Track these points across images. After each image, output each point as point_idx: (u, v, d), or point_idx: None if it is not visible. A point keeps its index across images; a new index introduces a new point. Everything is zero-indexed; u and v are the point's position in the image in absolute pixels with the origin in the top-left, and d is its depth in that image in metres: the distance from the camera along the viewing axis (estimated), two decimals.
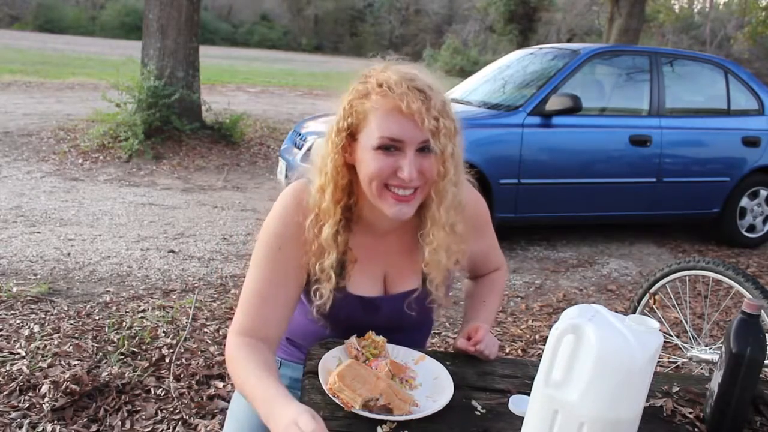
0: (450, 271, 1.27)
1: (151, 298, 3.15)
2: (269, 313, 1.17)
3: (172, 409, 2.19)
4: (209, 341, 2.71)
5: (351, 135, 1.14)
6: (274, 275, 1.18)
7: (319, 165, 1.17)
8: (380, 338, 1.23)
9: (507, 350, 2.93)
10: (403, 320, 1.27)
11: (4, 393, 2.15)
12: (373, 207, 1.17)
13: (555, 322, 0.96)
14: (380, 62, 1.17)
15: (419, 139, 1.10)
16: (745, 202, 5.01)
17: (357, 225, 1.23)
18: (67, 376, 2.21)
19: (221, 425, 2.09)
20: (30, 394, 2.16)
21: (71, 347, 2.51)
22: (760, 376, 1.11)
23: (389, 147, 1.10)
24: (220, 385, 2.36)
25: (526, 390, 1.10)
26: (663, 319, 2.68)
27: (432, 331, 3.05)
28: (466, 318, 1.43)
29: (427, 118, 1.08)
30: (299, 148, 4.46)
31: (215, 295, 3.25)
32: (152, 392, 2.28)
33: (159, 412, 2.17)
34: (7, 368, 2.30)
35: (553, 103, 4.31)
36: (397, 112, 1.09)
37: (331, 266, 1.18)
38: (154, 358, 2.49)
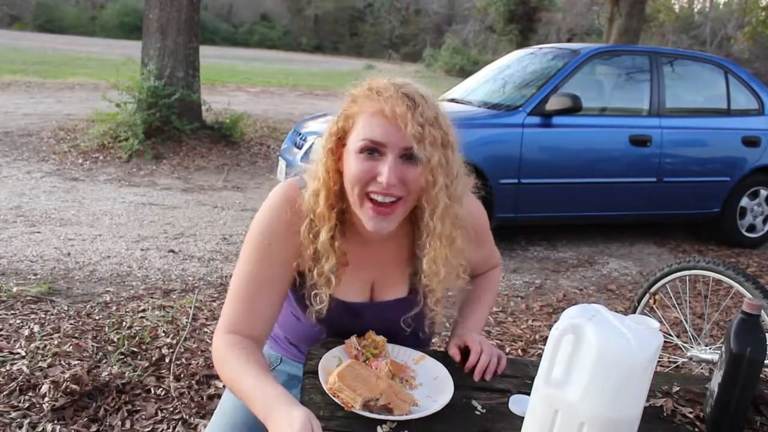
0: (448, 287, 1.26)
1: (151, 298, 3.15)
2: (257, 310, 1.17)
3: (172, 409, 2.19)
4: (209, 341, 2.71)
5: (341, 140, 1.14)
6: (262, 272, 1.17)
7: (314, 170, 1.17)
8: (380, 338, 1.23)
9: (507, 350, 2.93)
10: (390, 329, 1.25)
11: (4, 393, 2.15)
12: None
13: (555, 322, 0.96)
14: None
15: (401, 144, 1.08)
16: (745, 201, 5.01)
17: (347, 230, 1.21)
18: (67, 375, 2.21)
19: None
20: (30, 393, 2.16)
21: (71, 347, 2.51)
22: (760, 376, 1.11)
23: (372, 151, 1.09)
24: (220, 384, 2.36)
25: (526, 390, 1.10)
26: (663, 319, 2.68)
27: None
28: (460, 315, 1.42)
29: (411, 123, 1.06)
30: (299, 148, 4.47)
31: (215, 295, 3.25)
32: (152, 392, 2.28)
33: (159, 412, 2.17)
34: (7, 368, 2.30)
35: (553, 103, 4.31)
36: (381, 116, 1.08)
37: (331, 271, 1.16)
38: (154, 358, 2.49)
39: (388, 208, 1.10)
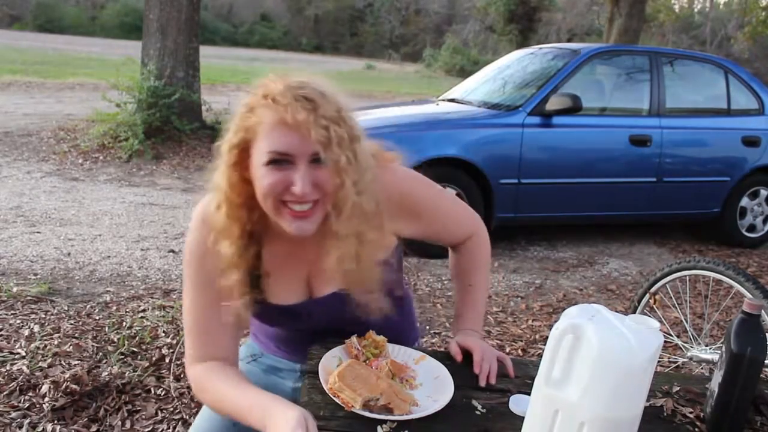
0: (378, 275, 1.18)
1: (151, 297, 3.15)
2: (216, 335, 1.18)
3: (172, 409, 2.19)
4: None
5: (244, 151, 1.08)
6: (205, 297, 1.17)
7: (215, 182, 1.12)
8: (381, 338, 1.23)
9: (507, 350, 2.93)
10: (340, 322, 1.23)
11: (5, 393, 2.15)
12: None
13: (555, 321, 0.96)
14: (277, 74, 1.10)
15: (308, 151, 1.03)
16: (745, 201, 5.01)
17: (268, 235, 1.17)
18: (67, 376, 2.21)
19: None
20: (30, 394, 2.16)
21: (71, 347, 2.51)
22: (761, 376, 1.11)
23: (280, 161, 1.04)
24: None
25: (526, 390, 1.10)
26: (663, 319, 2.68)
27: (432, 331, 3.05)
28: (457, 309, 1.41)
29: (314, 128, 1.01)
30: None
31: None
32: (152, 392, 2.28)
33: (159, 412, 2.17)
34: (8, 368, 2.30)
35: (553, 103, 4.31)
36: (282, 125, 1.03)
37: (237, 284, 1.13)
38: (154, 358, 2.49)
39: (308, 212, 1.07)
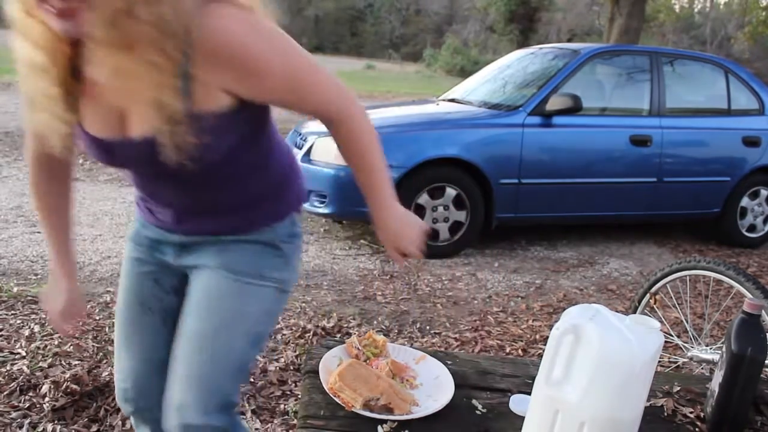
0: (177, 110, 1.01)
1: None
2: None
3: None
4: None
5: None
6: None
7: None
8: (381, 337, 1.23)
9: (507, 350, 2.93)
10: (163, 168, 1.09)
11: (5, 393, 2.15)
12: None
13: (555, 322, 0.97)
14: None
15: None
16: (745, 201, 5.01)
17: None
18: (67, 376, 2.21)
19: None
20: (30, 394, 2.17)
21: (72, 347, 2.51)
22: (761, 376, 1.11)
23: None
24: None
25: (526, 390, 1.10)
26: (663, 319, 2.68)
27: (432, 331, 3.06)
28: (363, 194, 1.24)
29: None
30: (300, 148, 4.47)
31: None
32: None
33: None
34: (8, 368, 2.30)
35: (554, 103, 4.31)
36: None
37: (47, 90, 1.06)
38: None
39: (67, 11, 0.95)
